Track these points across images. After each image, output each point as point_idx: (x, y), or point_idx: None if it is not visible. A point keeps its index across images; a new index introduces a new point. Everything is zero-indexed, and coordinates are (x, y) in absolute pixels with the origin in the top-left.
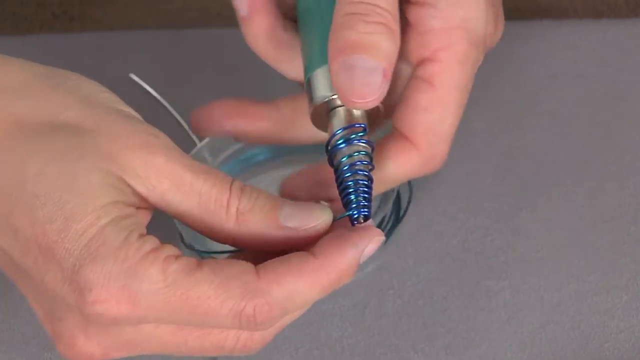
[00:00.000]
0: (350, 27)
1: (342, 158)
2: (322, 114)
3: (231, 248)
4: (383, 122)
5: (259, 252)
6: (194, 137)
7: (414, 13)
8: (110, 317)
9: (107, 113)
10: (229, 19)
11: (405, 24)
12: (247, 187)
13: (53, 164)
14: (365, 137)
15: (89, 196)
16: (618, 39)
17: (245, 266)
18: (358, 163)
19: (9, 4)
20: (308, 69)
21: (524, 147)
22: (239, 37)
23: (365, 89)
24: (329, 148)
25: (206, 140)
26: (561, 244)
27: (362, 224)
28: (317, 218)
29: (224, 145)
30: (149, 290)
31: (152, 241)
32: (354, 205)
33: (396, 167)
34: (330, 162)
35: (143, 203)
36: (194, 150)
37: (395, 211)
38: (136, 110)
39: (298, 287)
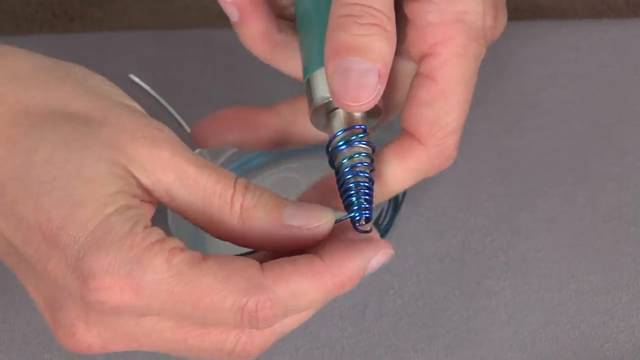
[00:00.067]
0: (344, 29)
1: (343, 160)
2: (322, 115)
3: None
4: (385, 121)
5: (264, 255)
6: None
7: (411, 8)
8: (112, 305)
9: (113, 106)
10: (229, 19)
11: (404, 20)
12: (251, 185)
13: (60, 152)
14: (366, 138)
15: (96, 184)
16: (618, 39)
17: (250, 262)
18: (359, 165)
19: (9, 4)
20: (307, 70)
21: (524, 147)
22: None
23: (359, 91)
24: (330, 150)
25: None
26: (561, 244)
27: (370, 234)
28: (321, 218)
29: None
30: (153, 279)
31: (157, 232)
32: (355, 208)
33: (405, 167)
34: (331, 163)
35: (147, 196)
36: (195, 152)
37: (393, 205)
38: None
39: (302, 287)
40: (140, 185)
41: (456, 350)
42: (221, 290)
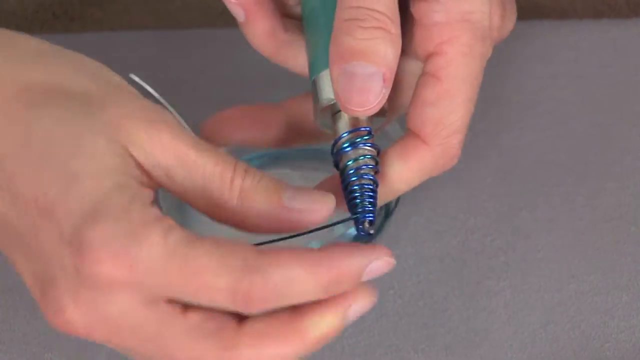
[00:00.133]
0: (348, 34)
1: (348, 162)
2: (328, 115)
3: None
4: (391, 120)
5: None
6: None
7: (418, 8)
8: (105, 279)
9: (115, 88)
10: (231, 18)
11: (411, 20)
12: (251, 168)
13: (60, 127)
14: (371, 140)
15: (95, 159)
16: (618, 39)
17: (246, 244)
18: (364, 167)
19: (9, 4)
20: (313, 71)
21: (524, 147)
22: (240, 37)
23: (364, 96)
24: (334, 151)
25: None
26: (561, 244)
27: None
28: (321, 202)
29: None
30: (148, 255)
31: (155, 210)
32: (359, 210)
33: (409, 167)
34: (336, 165)
35: (146, 177)
36: None
37: (385, 210)
38: None
39: (297, 273)
40: (139, 166)
41: (456, 350)
42: (216, 269)
